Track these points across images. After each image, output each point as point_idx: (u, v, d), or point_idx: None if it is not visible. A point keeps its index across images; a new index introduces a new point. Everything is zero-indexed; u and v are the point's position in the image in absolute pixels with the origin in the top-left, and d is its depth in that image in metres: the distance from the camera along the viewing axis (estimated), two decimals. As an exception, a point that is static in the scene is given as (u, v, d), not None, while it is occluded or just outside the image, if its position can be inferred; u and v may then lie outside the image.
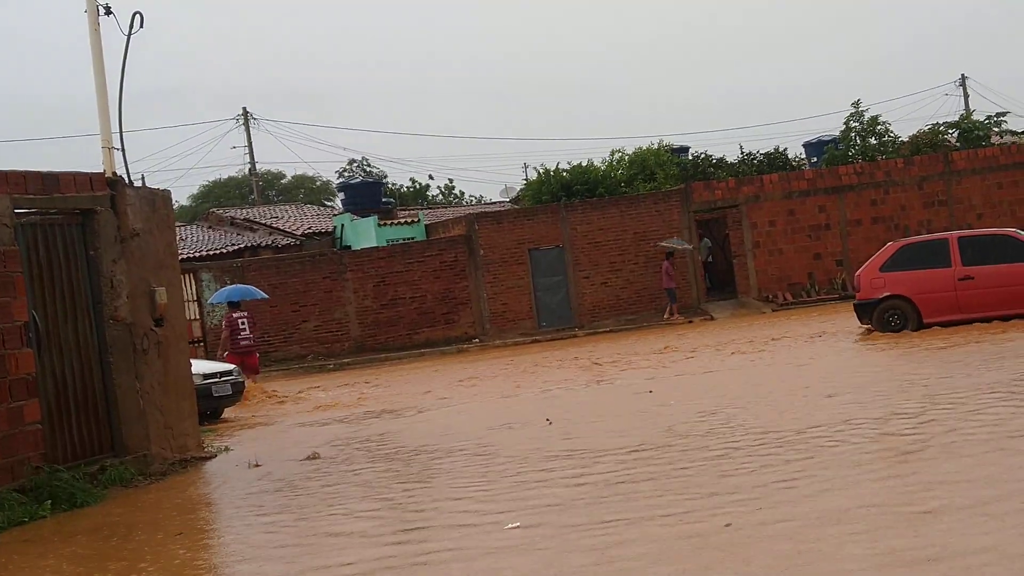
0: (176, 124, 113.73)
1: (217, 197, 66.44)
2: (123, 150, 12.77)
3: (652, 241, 32.29)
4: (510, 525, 7.57)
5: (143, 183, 12.95)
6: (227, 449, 13.71)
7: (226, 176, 68.57)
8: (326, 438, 13.93)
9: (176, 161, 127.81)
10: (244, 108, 52.75)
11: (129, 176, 12.73)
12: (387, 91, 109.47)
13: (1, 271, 10.70)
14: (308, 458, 12.10)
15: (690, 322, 30.74)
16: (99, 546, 8.70)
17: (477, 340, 31.37)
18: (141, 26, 12.82)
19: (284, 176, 74.08)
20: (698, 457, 9.71)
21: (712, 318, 31.19)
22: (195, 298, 31.14)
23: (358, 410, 17.26)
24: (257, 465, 12.03)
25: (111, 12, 12.72)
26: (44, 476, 10.66)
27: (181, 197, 69.01)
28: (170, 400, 12.76)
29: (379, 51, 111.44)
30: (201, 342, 31.07)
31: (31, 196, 11.20)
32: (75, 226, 11.85)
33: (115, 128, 12.76)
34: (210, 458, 13.06)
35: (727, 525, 7.04)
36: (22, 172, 11.17)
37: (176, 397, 12.91)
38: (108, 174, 12.53)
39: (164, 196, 13.31)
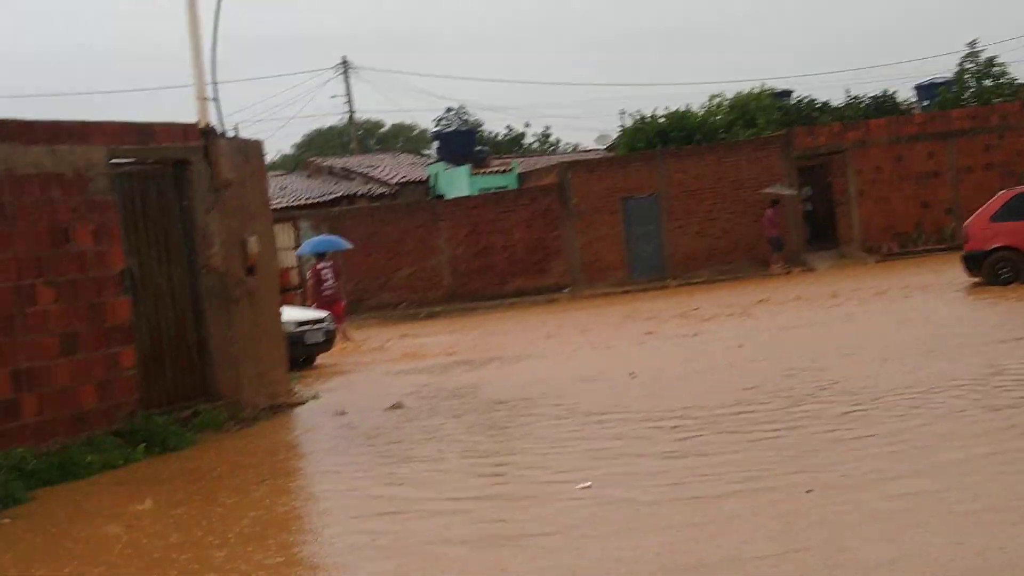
0: (277, 74, 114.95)
1: (319, 146, 67.24)
2: (217, 101, 13.09)
3: (751, 189, 31.89)
4: (581, 485, 7.70)
5: (236, 134, 13.26)
6: (316, 396, 14.10)
7: (327, 125, 69.40)
8: (411, 387, 14.23)
9: (278, 110, 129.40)
10: (343, 57, 53.17)
11: (222, 127, 13.07)
12: (485, 39, 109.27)
13: (98, 221, 11.14)
14: (392, 407, 12.39)
15: (789, 273, 30.37)
16: (189, 489, 9.09)
17: (568, 290, 31.47)
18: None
19: (383, 125, 74.72)
20: (780, 417, 9.72)
21: (812, 269, 30.76)
22: (294, 246, 31.79)
23: (444, 359, 17.55)
24: (343, 413, 12.37)
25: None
26: (139, 420, 11.13)
27: (284, 146, 70.17)
28: (261, 347, 13.15)
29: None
30: (299, 289, 31.77)
31: (126, 147, 11.59)
32: (169, 176, 12.23)
33: (209, 79, 13.06)
34: (299, 404, 13.46)
35: (808, 491, 7.06)
36: (118, 123, 11.56)
37: (267, 344, 13.30)
38: (202, 125, 12.87)
39: (256, 147, 13.63)
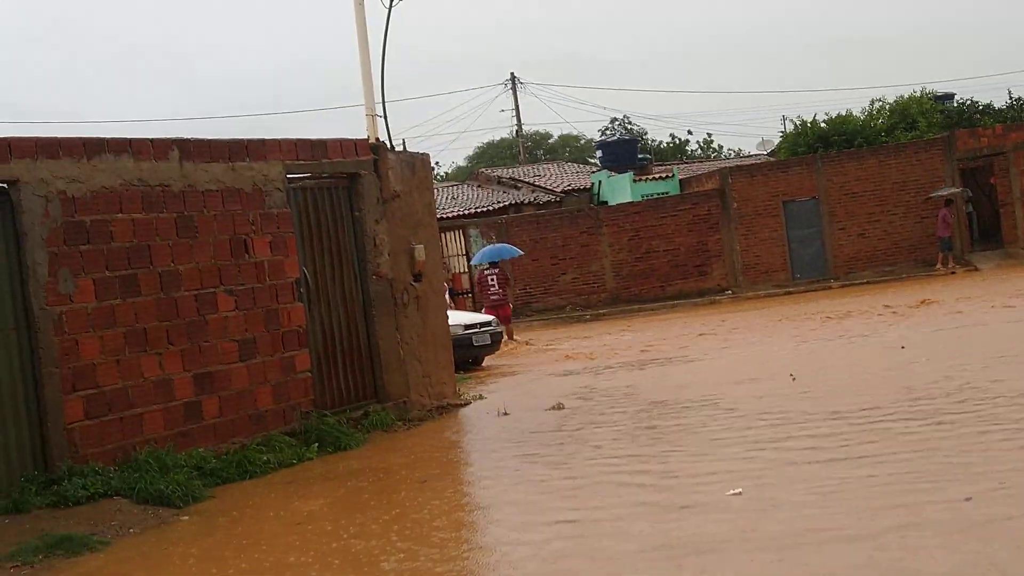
0: (449, 91, 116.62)
1: (490, 157, 67.89)
2: (385, 117, 13.09)
3: (912, 192, 30.42)
4: (732, 491, 7.22)
5: (404, 148, 13.24)
6: (480, 397, 13.92)
7: (498, 138, 69.96)
8: (572, 388, 13.91)
9: (450, 124, 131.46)
10: (512, 73, 53.43)
11: (391, 141, 13.05)
12: (647, 52, 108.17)
13: (275, 232, 11.20)
14: (553, 408, 12.10)
15: (954, 272, 28.82)
16: (358, 486, 8.98)
17: (729, 292, 30.63)
18: (401, -1, 13.03)
19: (551, 136, 74.91)
20: (931, 423, 9.00)
21: (977, 269, 29.11)
22: (464, 252, 31.94)
23: (605, 361, 17.15)
24: (505, 413, 12.14)
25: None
26: (312, 420, 11.14)
27: (458, 158, 71.03)
28: (428, 350, 13.06)
29: (639, 15, 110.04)
30: (469, 293, 31.89)
31: (301, 162, 11.63)
32: (341, 189, 12.23)
33: (378, 97, 13.05)
34: (464, 405, 13.30)
35: (967, 499, 6.43)
36: (293, 140, 11.61)
37: (433, 348, 13.20)
38: (371, 140, 12.86)
39: (423, 159, 13.55)
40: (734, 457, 8.51)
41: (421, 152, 13.47)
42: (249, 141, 11.12)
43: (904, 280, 28.74)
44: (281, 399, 11.07)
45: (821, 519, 6.39)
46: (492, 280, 23.39)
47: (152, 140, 10.26)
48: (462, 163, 72.18)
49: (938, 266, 29.31)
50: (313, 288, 11.68)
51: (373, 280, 12.34)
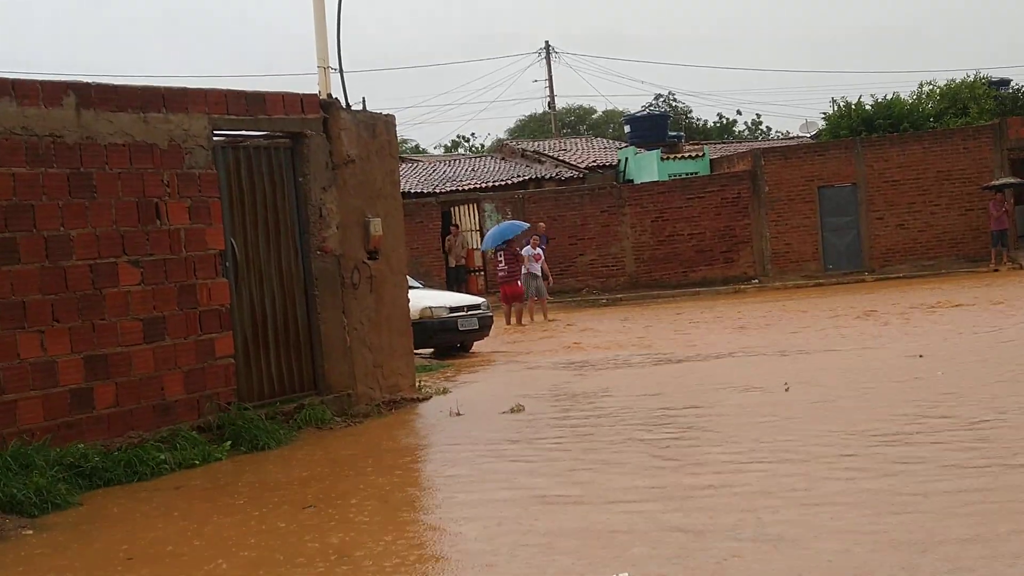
0: (480, 58, 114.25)
1: (531, 131, 66.17)
2: (341, 71, 11.59)
3: (958, 181, 28.50)
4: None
5: (364, 107, 11.70)
6: (445, 391, 12.45)
7: (540, 111, 68.14)
8: (547, 386, 12.41)
9: (480, 94, 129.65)
10: (546, 42, 51.59)
11: (346, 98, 11.54)
12: (694, 27, 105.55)
13: (195, 196, 9.76)
14: (510, 411, 10.61)
15: (996, 271, 26.92)
16: (232, 506, 7.53)
17: (756, 281, 28.89)
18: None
19: (595, 111, 73.01)
20: (934, 451, 7.41)
21: (1021, 267, 27.18)
22: (478, 227, 30.49)
23: (601, 354, 15.61)
24: (459, 414, 10.67)
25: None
26: (232, 414, 9.73)
27: (499, 131, 69.35)
28: (382, 337, 11.60)
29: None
30: (481, 271, 30.46)
31: (232, 116, 10.16)
32: (283, 150, 10.76)
33: (333, 48, 11.56)
34: (423, 400, 11.84)
35: None
36: (223, 91, 10.14)
37: (389, 334, 11.74)
38: (323, 96, 11.39)
39: (386, 121, 12.04)
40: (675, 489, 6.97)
41: (384, 112, 11.96)
42: (167, 89, 9.66)
43: (944, 275, 26.90)
44: (195, 388, 9.64)
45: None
46: (500, 258, 22.84)
47: (42, 82, 8.82)
48: (502, 135, 70.48)
49: (992, 263, 27.35)
50: (242, 262, 10.23)
51: (317, 256, 10.87)
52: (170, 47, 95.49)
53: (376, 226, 11.45)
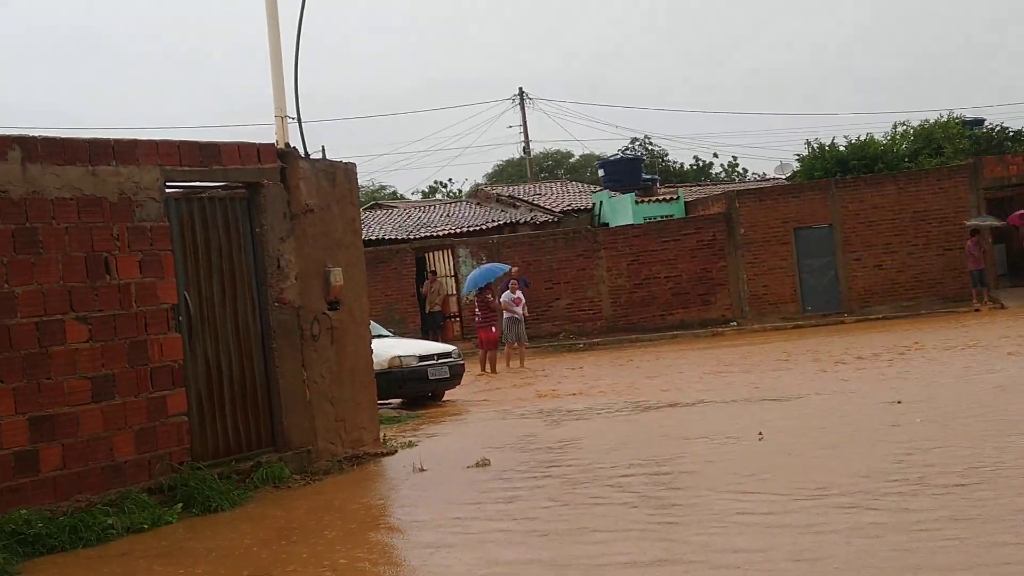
0: (454, 105, 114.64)
1: (509, 176, 66.19)
2: (299, 119, 11.39)
3: (935, 222, 28.53)
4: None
5: (323, 155, 11.54)
6: (410, 444, 12.19)
7: (518, 156, 68.23)
8: (516, 437, 12.17)
9: (456, 140, 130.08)
10: (520, 88, 51.74)
11: (305, 147, 11.35)
12: (662, 72, 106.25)
13: (146, 249, 9.51)
14: (476, 465, 10.34)
15: (977, 311, 26.82)
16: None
17: (734, 323, 28.76)
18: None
19: (572, 156, 73.18)
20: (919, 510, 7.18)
21: (1003, 306, 27.11)
22: (452, 273, 30.31)
23: (575, 402, 15.37)
24: (422, 469, 10.39)
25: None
26: (182, 475, 9.43)
27: (477, 176, 69.23)
28: (343, 390, 11.33)
29: (653, 34, 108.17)
30: (457, 317, 30.23)
31: (186, 168, 9.95)
32: (239, 201, 10.54)
33: (291, 96, 11.38)
34: (388, 454, 11.56)
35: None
36: (175, 142, 9.94)
37: (351, 387, 11.47)
38: (280, 145, 11.21)
39: (347, 169, 11.85)
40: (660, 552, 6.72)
41: (345, 161, 11.78)
42: (117, 142, 9.44)
43: (923, 317, 26.81)
44: (146, 448, 9.34)
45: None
46: (477, 303, 22.75)
47: (-15, 137, 8.63)
48: (481, 180, 70.47)
49: (974, 302, 27.24)
50: (196, 316, 9.97)
51: (275, 307, 10.62)
52: (127, 93, 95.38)
53: (337, 276, 11.22)
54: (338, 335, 11.32)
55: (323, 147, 11.42)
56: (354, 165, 11.92)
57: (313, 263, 11.08)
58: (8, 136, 8.77)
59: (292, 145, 11.17)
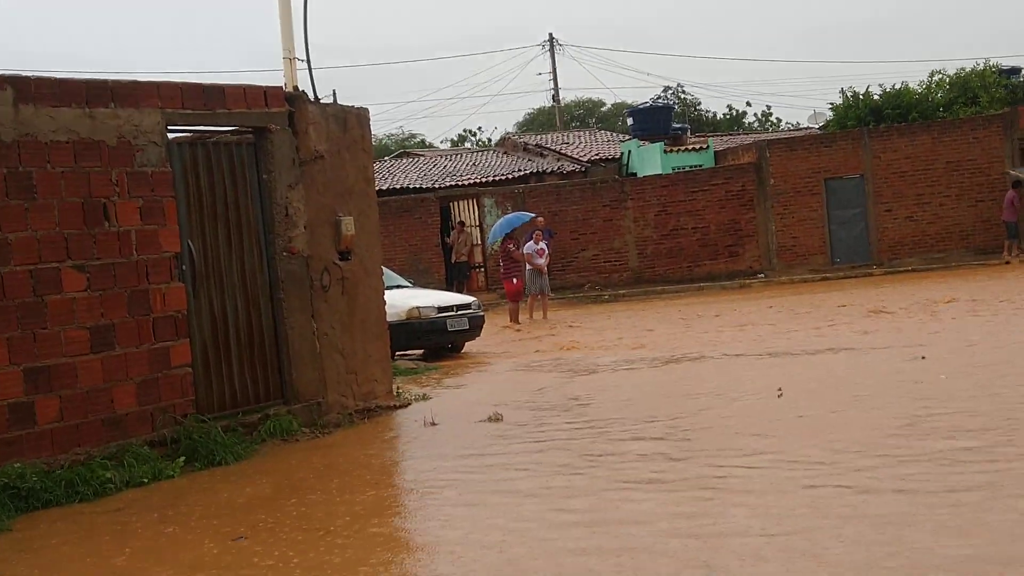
0: (484, 51, 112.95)
1: (540, 125, 65.39)
2: (308, 62, 10.93)
3: (968, 172, 27.71)
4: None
5: (334, 99, 11.05)
6: (424, 397, 11.82)
7: (548, 105, 67.34)
8: (532, 390, 11.78)
9: (485, 86, 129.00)
10: (550, 34, 50.80)
11: (314, 90, 10.89)
12: (702, 18, 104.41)
13: (148, 195, 9.13)
14: (488, 419, 9.96)
15: (1007, 263, 26.11)
16: (164, 535, 6.88)
17: (762, 275, 28.17)
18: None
19: (604, 104, 72.17)
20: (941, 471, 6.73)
21: (1034, 260, 26.38)
22: (478, 223, 29.85)
23: (596, 356, 14.94)
24: (433, 423, 10.03)
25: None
26: (185, 427, 9.10)
27: (508, 124, 68.43)
28: (355, 342, 10.96)
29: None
30: (482, 267, 29.83)
31: (188, 111, 9.52)
32: (246, 146, 10.13)
33: (300, 38, 10.91)
34: (401, 407, 11.20)
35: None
36: (178, 84, 9.50)
37: (363, 338, 11.10)
38: (289, 88, 10.75)
39: (359, 115, 11.39)
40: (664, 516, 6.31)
41: (357, 106, 11.32)
42: (115, 83, 9.02)
43: (954, 268, 26.12)
44: (149, 400, 9.02)
45: None
46: (499, 253, 22.65)
47: (-26, 77, 8.23)
48: (511, 129, 69.70)
49: (1004, 255, 26.51)
50: (200, 265, 9.60)
51: (283, 257, 10.23)
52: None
53: (348, 225, 10.81)
54: (349, 286, 10.93)
55: (334, 91, 10.87)
56: (366, 110, 11.45)
57: (323, 211, 10.66)
58: (-1, 75, 8.38)
59: (301, 89, 10.71)
